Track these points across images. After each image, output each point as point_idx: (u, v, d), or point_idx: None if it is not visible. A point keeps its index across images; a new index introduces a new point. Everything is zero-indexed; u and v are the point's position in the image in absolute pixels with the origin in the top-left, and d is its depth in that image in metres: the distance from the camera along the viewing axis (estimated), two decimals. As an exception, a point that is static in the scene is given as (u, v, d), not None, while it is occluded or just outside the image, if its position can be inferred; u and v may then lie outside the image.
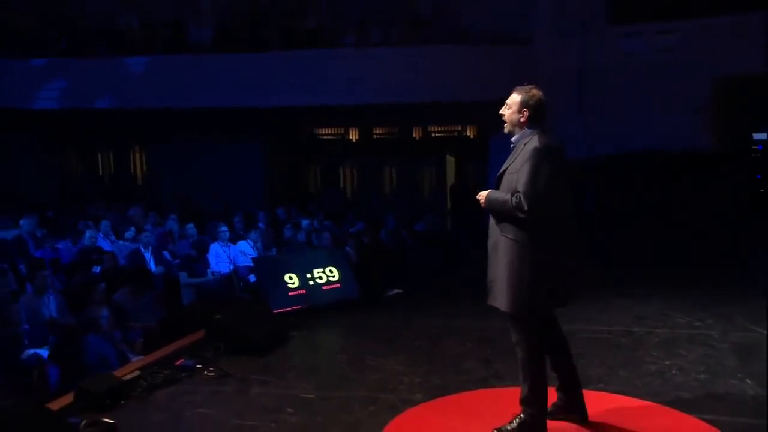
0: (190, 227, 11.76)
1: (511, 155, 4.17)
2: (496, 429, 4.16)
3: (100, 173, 18.07)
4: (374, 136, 16.95)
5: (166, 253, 10.85)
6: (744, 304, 7.22)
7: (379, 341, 6.28)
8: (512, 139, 4.20)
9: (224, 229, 10.91)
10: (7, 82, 15.13)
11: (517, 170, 4.03)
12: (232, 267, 10.32)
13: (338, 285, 7.50)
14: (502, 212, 4.08)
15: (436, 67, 13.99)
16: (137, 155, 17.79)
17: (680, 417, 4.50)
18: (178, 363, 5.63)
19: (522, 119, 4.14)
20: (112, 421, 4.52)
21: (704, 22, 13.23)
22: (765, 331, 6.28)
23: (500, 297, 4.13)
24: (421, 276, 9.41)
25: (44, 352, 6.41)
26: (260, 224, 12.36)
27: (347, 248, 10.27)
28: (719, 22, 13.15)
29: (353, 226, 12.95)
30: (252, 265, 10.51)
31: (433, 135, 16.51)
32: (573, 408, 4.36)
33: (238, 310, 6.50)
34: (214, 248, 10.49)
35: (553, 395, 4.33)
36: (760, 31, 12.76)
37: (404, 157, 16.65)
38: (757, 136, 14.92)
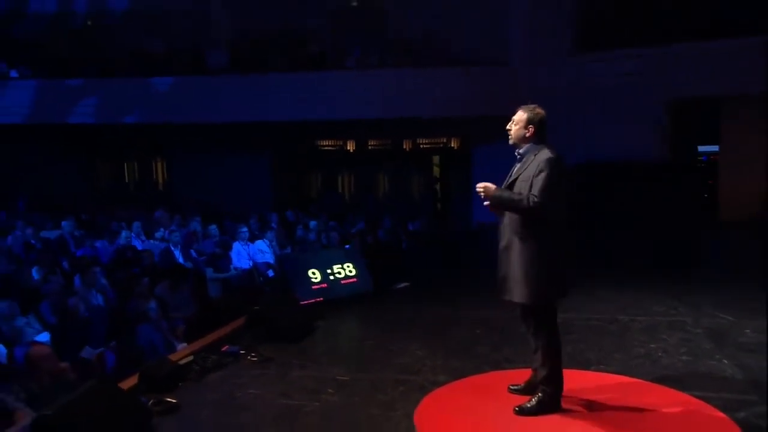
0: (213, 228, 11.73)
1: (520, 165, 4.19)
2: (517, 407, 4.16)
3: (126, 180, 17.93)
4: (369, 147, 16.92)
5: (192, 251, 10.77)
6: (707, 294, 7.29)
7: (397, 329, 6.23)
8: (520, 151, 4.22)
9: (245, 229, 10.88)
10: (48, 99, 15.03)
11: (529, 177, 4.04)
12: (251, 263, 10.29)
13: (355, 279, 7.45)
14: (512, 209, 4.09)
15: (425, 87, 14.02)
16: (159, 164, 17.66)
17: (673, 394, 4.53)
18: (223, 349, 5.58)
19: (528, 134, 4.16)
20: (174, 401, 4.50)
21: (660, 51, 13.31)
22: (730, 318, 6.37)
23: (516, 291, 4.12)
24: (421, 270, 9.32)
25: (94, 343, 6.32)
26: (273, 225, 12.32)
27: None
28: (673, 50, 13.23)
29: (354, 226, 12.94)
30: (270, 261, 10.54)
31: (421, 146, 16.51)
32: None
33: (273, 302, 6.47)
34: (236, 246, 10.45)
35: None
36: (707, 59, 12.92)
37: (396, 166, 16.62)
38: (702, 148, 15.12)
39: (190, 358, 5.29)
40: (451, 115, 14.22)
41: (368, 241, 11.21)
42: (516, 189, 4.10)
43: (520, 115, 4.20)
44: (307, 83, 14.28)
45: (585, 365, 4.86)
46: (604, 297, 7.20)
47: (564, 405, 4.18)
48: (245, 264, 10.24)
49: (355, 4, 16.21)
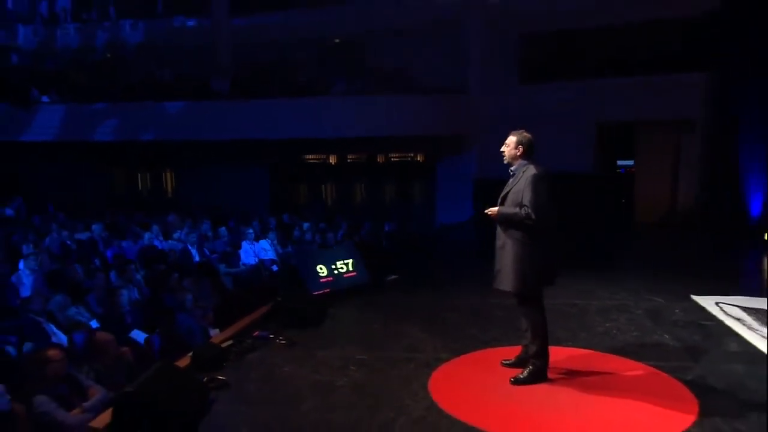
0: (223, 229, 11.57)
1: (512, 180, 4.27)
2: (512, 378, 4.25)
3: (139, 188, 17.56)
4: (348, 161, 16.84)
5: (205, 250, 10.64)
6: (639, 281, 7.44)
7: (397, 315, 6.19)
8: (512, 168, 4.29)
9: (251, 231, 10.79)
10: (74, 121, 14.78)
11: (521, 190, 4.13)
12: (257, 260, 10.20)
13: (354, 273, 7.39)
14: (511, 221, 4.16)
15: (396, 111, 14.03)
16: (168, 175, 17.34)
17: (631, 363, 4.69)
18: (255, 334, 5.52)
19: (518, 154, 4.25)
20: (224, 378, 4.49)
21: (589, 84, 13.63)
22: (662, 300, 6.58)
23: (506, 281, 4.20)
24: (403, 265, 9.21)
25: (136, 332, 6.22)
26: (272, 227, 12.22)
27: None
28: (599, 84, 13.59)
29: (340, 228, 12.89)
30: (273, 258, 10.46)
31: (392, 160, 16.48)
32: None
33: (291, 294, 6.40)
34: (244, 245, 10.35)
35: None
36: (625, 92, 13.31)
37: (371, 177, 16.59)
38: (620, 162, 15.51)
39: (230, 342, 5.27)
40: (418, 134, 14.26)
41: (356, 240, 11.16)
42: (509, 200, 4.20)
43: (511, 139, 4.30)
44: (298, 107, 14.18)
45: (557, 342, 4.97)
46: (561, 285, 7.22)
47: (549, 375, 4.31)
48: (252, 260, 10.14)
49: (337, 41, 16.18)
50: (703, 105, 12.98)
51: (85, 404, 4.17)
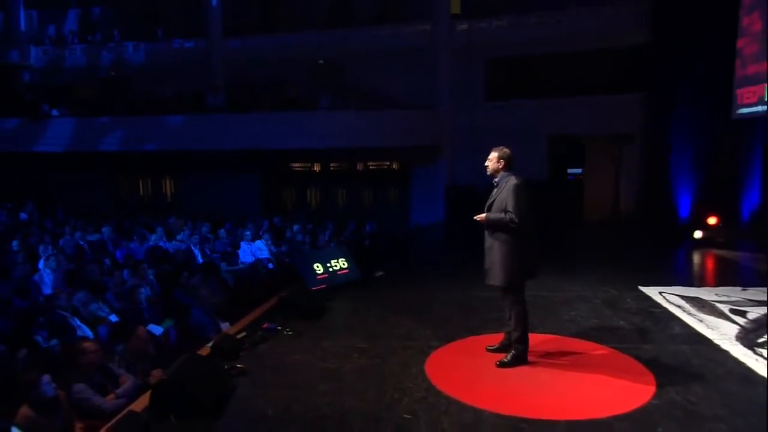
0: (222, 231, 11.44)
1: (497, 189, 4.34)
2: (497, 362, 4.33)
3: (141, 194, 17.21)
4: (331, 168, 16.80)
5: (206, 250, 10.52)
6: (594, 274, 7.57)
7: (389, 308, 6.15)
8: (496, 180, 4.36)
9: (248, 232, 10.71)
10: (81, 133, 14.45)
11: (505, 198, 4.21)
12: (254, 259, 10.12)
13: (347, 270, 7.37)
14: (498, 225, 4.23)
15: (374, 124, 14.07)
16: (168, 182, 17.04)
17: (596, 346, 4.81)
18: (264, 326, 5.47)
19: (500, 166, 4.33)
20: (242, 366, 4.49)
21: (544, 102, 13.91)
22: (614, 291, 6.71)
23: (496, 277, 4.27)
24: (387, 262, 9.03)
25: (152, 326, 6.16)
26: (264, 229, 12.12)
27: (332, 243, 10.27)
28: (552, 102, 13.87)
29: (327, 229, 12.85)
30: (267, 257, 10.39)
31: (370, 168, 16.50)
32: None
33: (294, 289, 6.38)
34: (242, 245, 10.24)
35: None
36: (574, 109, 13.62)
37: (351, 183, 16.59)
38: (570, 170, 15.83)
39: (244, 333, 5.25)
40: (395, 145, 14.34)
41: (341, 240, 11.17)
42: (495, 207, 4.27)
43: (494, 154, 4.37)
44: (286, 120, 14.10)
45: (532, 329, 4.98)
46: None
47: (528, 358, 4.41)
48: (249, 259, 10.03)
49: (321, 62, 16.16)
50: (641, 121, 13.38)
51: (118, 390, 4.14)
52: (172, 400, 3.57)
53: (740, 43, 10.33)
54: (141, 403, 3.75)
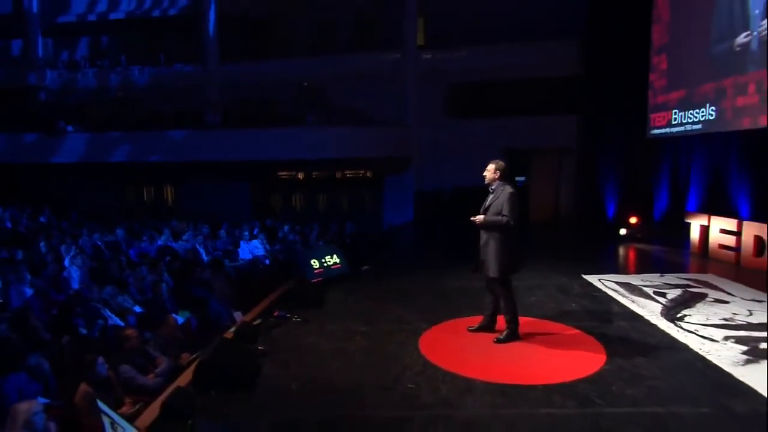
0: (222, 232, 11.31)
1: (492, 196, 4.49)
2: (495, 339, 4.45)
3: (145, 199, 16.76)
4: (313, 176, 16.66)
5: (209, 248, 10.39)
6: (544, 265, 7.68)
7: (379, 297, 6.17)
8: (492, 188, 4.51)
9: (246, 233, 10.64)
10: (94, 146, 13.98)
11: (501, 203, 4.36)
12: (252, 256, 10.05)
13: (340, 265, 7.39)
14: (494, 226, 4.37)
15: (352, 138, 14.02)
16: (169, 189, 16.64)
17: (560, 326, 5.02)
18: (275, 314, 5.48)
19: (496, 177, 4.49)
20: (263, 348, 4.54)
21: (499, 120, 14.13)
22: (565, 279, 6.95)
23: (491, 269, 4.40)
24: (370, 258, 8.95)
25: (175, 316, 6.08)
26: (257, 229, 12.01)
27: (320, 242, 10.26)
28: (505, 121, 14.10)
29: (313, 230, 12.81)
30: (263, 254, 10.29)
31: (347, 176, 16.47)
32: (491, 326, 4.72)
33: (297, 282, 6.39)
34: (241, 244, 10.18)
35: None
36: (523, 127, 13.98)
37: (331, 189, 16.52)
38: (518, 178, 16.18)
39: (259, 320, 5.28)
40: (370, 156, 14.42)
41: (327, 239, 11.16)
42: (491, 210, 4.41)
43: (491, 166, 4.53)
44: (276, 135, 14.00)
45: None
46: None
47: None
48: (248, 256, 9.97)
49: (306, 84, 16.14)
50: (576, 137, 13.90)
51: (157, 370, 4.14)
52: (213, 378, 3.62)
53: (652, 77, 11.02)
54: (183, 380, 3.77)
